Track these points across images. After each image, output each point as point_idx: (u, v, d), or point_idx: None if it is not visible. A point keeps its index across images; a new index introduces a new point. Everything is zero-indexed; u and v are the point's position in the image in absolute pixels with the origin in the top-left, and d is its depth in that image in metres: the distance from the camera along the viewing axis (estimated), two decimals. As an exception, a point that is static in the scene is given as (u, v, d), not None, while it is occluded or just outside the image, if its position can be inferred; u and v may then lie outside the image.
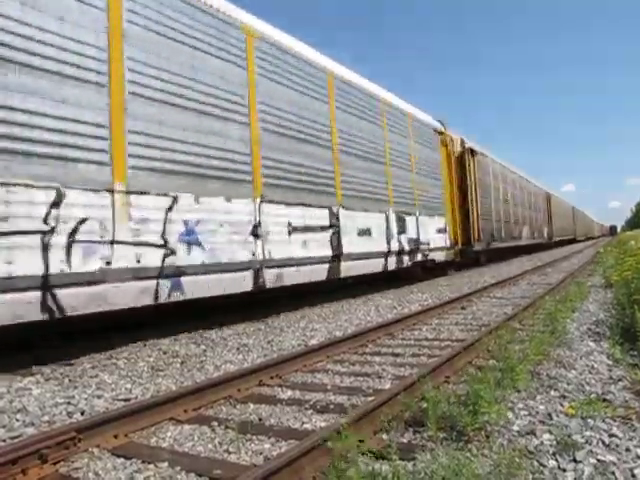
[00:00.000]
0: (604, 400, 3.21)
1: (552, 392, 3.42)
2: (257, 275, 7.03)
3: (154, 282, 5.62)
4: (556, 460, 2.40)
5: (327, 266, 8.61)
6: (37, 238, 4.60)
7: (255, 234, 7.06)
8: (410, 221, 12.02)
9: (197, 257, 6.13)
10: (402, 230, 11.51)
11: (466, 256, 15.57)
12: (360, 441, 2.46)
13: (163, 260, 5.73)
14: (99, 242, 5.11)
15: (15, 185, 4.50)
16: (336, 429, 2.53)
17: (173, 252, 5.84)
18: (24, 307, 4.45)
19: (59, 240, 4.77)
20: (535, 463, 2.38)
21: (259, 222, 7.15)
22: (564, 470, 2.31)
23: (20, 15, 4.67)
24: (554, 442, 2.58)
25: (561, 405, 3.15)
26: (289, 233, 7.77)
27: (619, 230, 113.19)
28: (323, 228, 8.63)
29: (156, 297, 5.61)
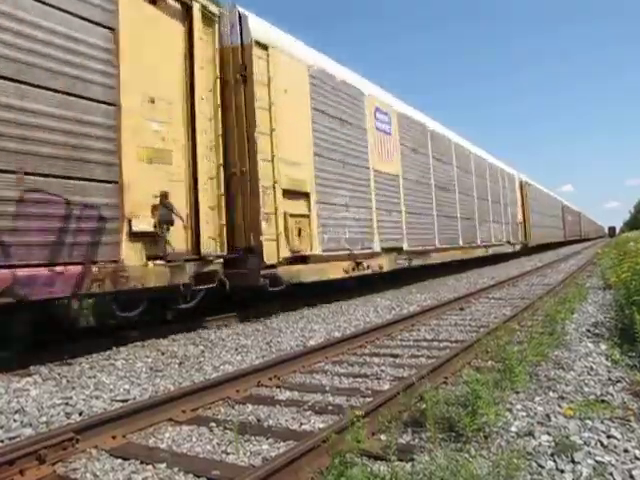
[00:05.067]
0: (602, 401, 3.22)
1: (551, 393, 3.42)
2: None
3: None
4: (554, 461, 2.40)
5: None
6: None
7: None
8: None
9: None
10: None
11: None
12: (358, 442, 2.46)
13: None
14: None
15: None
16: (335, 430, 2.53)
17: None
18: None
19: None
20: (533, 464, 2.38)
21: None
22: (562, 471, 2.30)
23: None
24: (552, 443, 2.58)
25: (559, 406, 3.16)
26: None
27: (617, 231, 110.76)
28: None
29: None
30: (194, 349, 5.60)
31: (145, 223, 5.59)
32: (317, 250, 8.26)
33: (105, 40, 5.39)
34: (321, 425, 3.05)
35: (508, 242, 21.35)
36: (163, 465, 2.58)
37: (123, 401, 3.74)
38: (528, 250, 25.65)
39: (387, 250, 10.70)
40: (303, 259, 7.98)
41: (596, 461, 2.38)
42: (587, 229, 72.13)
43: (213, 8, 6.88)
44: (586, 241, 63.51)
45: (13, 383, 4.25)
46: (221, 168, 6.77)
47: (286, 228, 7.52)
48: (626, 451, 2.49)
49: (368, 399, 3.37)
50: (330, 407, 3.41)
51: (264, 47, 7.52)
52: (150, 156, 5.78)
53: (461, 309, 7.98)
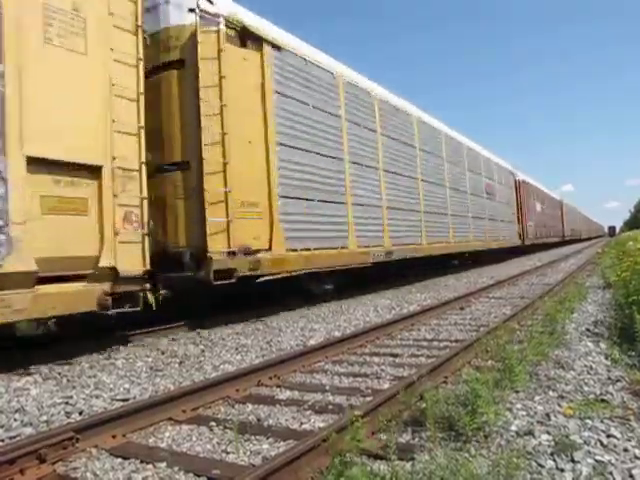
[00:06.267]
0: (602, 400, 3.22)
1: (550, 392, 3.42)
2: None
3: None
4: (554, 460, 2.40)
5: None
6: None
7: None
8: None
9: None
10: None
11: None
12: (357, 441, 2.46)
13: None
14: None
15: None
16: (335, 429, 2.53)
17: None
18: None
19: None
20: (533, 463, 2.38)
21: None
22: (562, 470, 2.31)
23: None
24: (552, 442, 2.59)
25: (559, 406, 3.16)
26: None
27: (617, 231, 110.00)
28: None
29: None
30: (194, 348, 5.60)
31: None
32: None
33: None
34: (321, 424, 3.06)
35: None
36: (163, 464, 2.59)
37: (123, 400, 3.74)
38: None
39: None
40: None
41: (596, 460, 2.38)
42: (577, 227, 52.69)
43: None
44: (575, 243, 47.77)
45: (13, 382, 4.25)
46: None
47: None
48: (626, 450, 2.49)
49: (368, 398, 3.37)
50: (330, 406, 3.41)
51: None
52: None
53: (461, 308, 7.98)
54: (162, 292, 6.30)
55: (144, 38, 5.89)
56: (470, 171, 17.18)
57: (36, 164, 4.65)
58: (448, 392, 3.29)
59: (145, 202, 5.62)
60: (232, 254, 6.56)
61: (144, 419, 3.18)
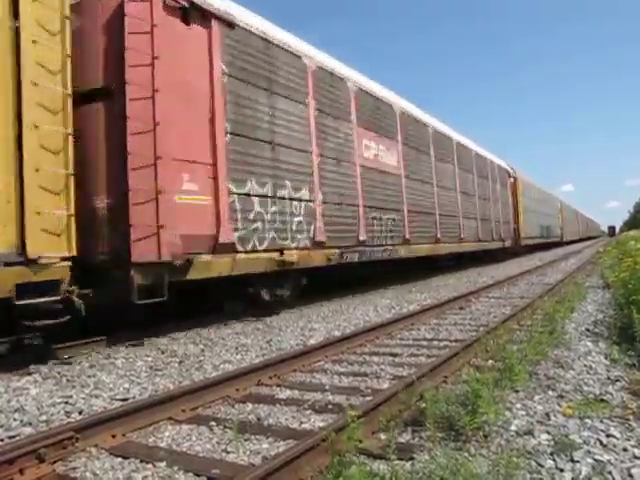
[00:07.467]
0: (602, 400, 3.22)
1: (550, 392, 3.42)
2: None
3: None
4: (554, 460, 2.40)
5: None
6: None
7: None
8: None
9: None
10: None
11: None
12: (357, 441, 2.46)
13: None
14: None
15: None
16: (334, 429, 2.53)
17: None
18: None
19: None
20: (533, 463, 2.38)
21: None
22: (562, 470, 2.31)
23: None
24: (552, 442, 2.59)
25: (559, 405, 3.16)
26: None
27: (617, 231, 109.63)
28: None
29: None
30: (194, 348, 5.60)
31: None
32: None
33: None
34: (321, 424, 3.05)
35: None
36: (163, 464, 2.58)
37: (123, 400, 3.74)
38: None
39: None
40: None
41: (595, 460, 2.38)
42: (555, 223, 35.08)
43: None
44: (550, 249, 31.99)
45: (13, 382, 4.26)
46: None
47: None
48: (625, 450, 2.49)
49: (368, 398, 3.37)
50: (330, 406, 3.40)
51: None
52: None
53: (461, 308, 7.98)
54: None
55: None
56: None
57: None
58: (448, 392, 3.29)
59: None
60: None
61: (144, 419, 3.18)
